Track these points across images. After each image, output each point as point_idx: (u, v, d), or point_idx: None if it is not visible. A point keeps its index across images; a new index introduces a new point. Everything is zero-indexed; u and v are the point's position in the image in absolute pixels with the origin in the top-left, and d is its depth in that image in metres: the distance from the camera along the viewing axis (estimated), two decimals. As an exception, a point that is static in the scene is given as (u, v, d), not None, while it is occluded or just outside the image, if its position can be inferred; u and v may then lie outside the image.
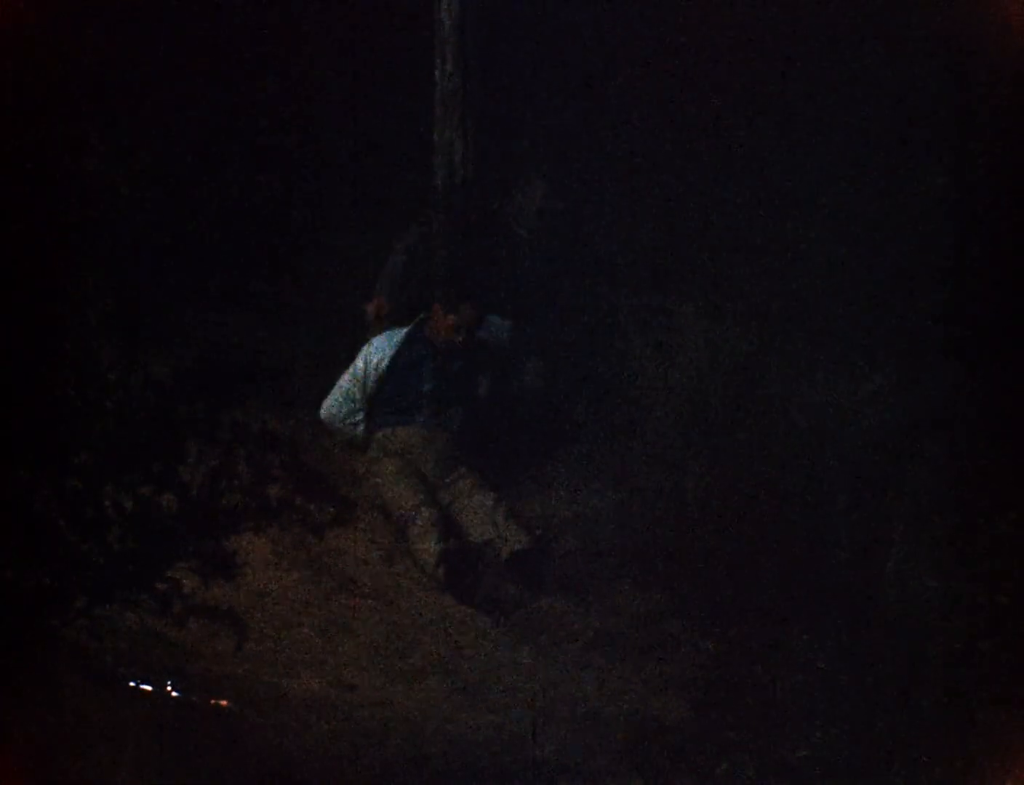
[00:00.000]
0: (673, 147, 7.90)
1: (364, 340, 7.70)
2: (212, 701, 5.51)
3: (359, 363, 7.55)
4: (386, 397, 7.47)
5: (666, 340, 7.46)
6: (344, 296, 7.98)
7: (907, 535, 6.31)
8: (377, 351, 7.54)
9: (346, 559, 6.95)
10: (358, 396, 7.52)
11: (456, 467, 7.37)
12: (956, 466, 6.34)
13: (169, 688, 5.43)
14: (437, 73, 7.69)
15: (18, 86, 4.94)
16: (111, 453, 4.61)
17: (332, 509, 7.16)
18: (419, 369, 7.50)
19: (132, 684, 5.35)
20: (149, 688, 5.38)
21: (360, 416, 7.51)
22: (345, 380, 7.54)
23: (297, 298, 7.84)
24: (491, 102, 7.88)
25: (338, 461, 7.53)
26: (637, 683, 6.33)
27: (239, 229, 7.86)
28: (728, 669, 6.24)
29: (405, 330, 7.55)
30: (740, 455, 6.94)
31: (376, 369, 7.50)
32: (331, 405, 7.55)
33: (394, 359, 7.50)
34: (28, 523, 4.56)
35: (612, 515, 7.21)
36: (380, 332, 7.64)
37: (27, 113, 4.89)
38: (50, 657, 4.79)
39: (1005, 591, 5.87)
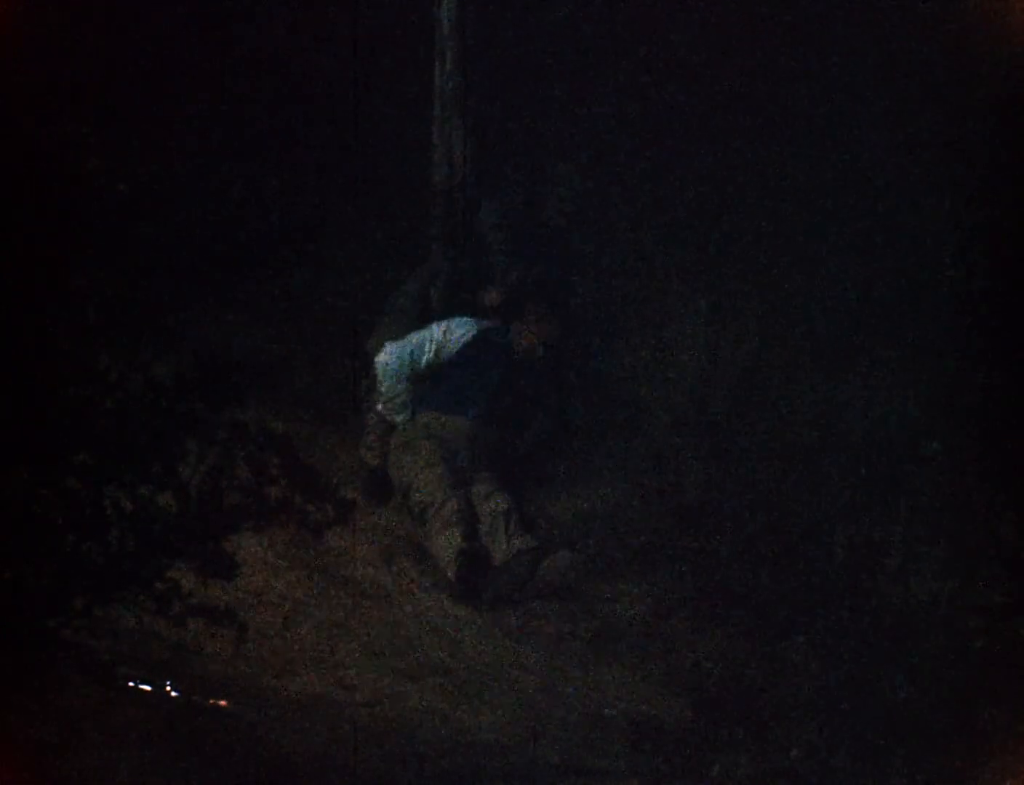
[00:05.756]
0: (674, 147, 7.90)
1: (362, 340, 7.70)
2: (212, 701, 5.51)
3: (438, 330, 7.45)
4: (452, 377, 7.39)
5: (666, 340, 7.46)
6: (344, 296, 7.98)
7: (907, 535, 6.31)
8: (460, 326, 7.47)
9: (346, 559, 6.95)
10: (423, 361, 7.41)
11: (481, 467, 7.32)
12: (956, 466, 6.35)
13: (169, 688, 5.43)
14: (437, 73, 7.69)
15: (18, 86, 4.94)
16: (111, 453, 4.61)
17: (331, 509, 7.18)
18: (492, 366, 7.44)
19: (132, 684, 5.35)
20: (149, 688, 5.38)
21: (409, 382, 7.39)
22: (416, 339, 7.42)
23: (296, 298, 7.85)
24: (491, 102, 7.89)
25: (338, 461, 7.52)
26: (637, 683, 6.33)
27: (238, 229, 7.87)
28: (727, 669, 6.24)
29: (489, 323, 7.51)
30: (740, 455, 6.95)
31: (452, 344, 7.42)
32: (392, 355, 7.38)
33: (471, 345, 7.43)
34: (28, 523, 4.56)
35: (612, 515, 7.22)
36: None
37: (27, 113, 4.90)
38: (50, 657, 4.79)
39: (1003, 591, 5.88)
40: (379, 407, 7.43)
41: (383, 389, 7.39)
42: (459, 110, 7.68)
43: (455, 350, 7.42)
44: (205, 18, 7.97)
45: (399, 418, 7.41)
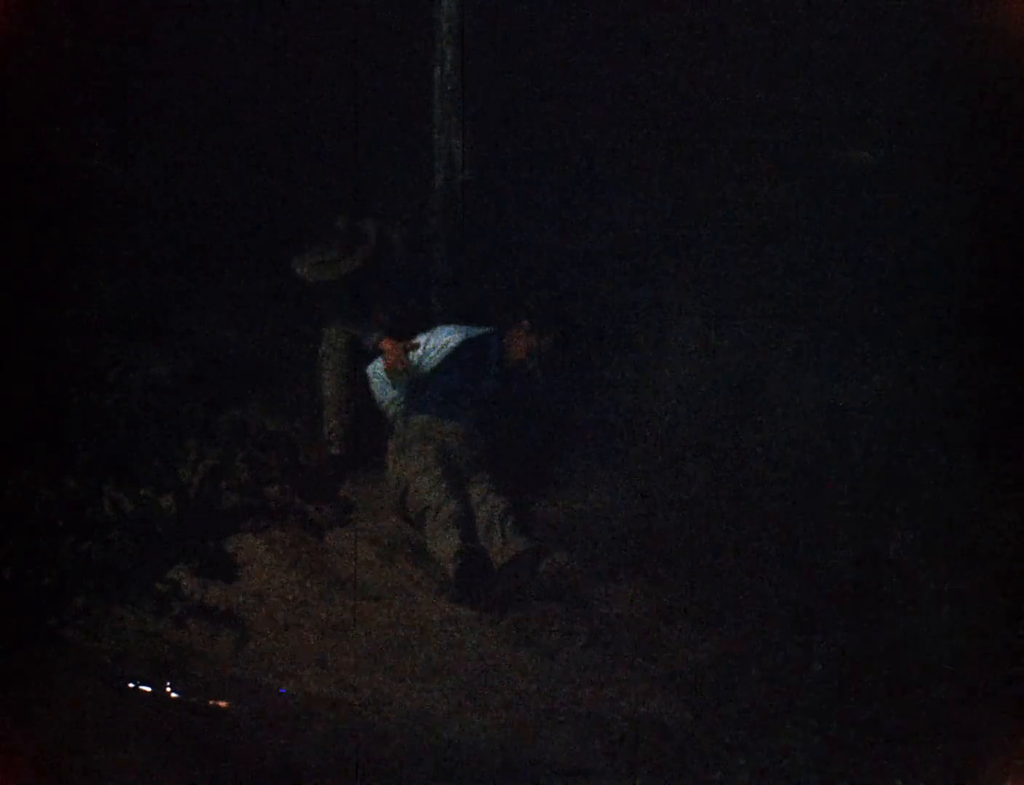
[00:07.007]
0: (673, 145, 7.91)
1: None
2: (212, 701, 5.51)
3: (421, 339, 7.50)
4: (440, 385, 7.42)
5: (666, 340, 7.46)
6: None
7: (907, 534, 6.31)
8: (446, 334, 7.50)
9: (346, 559, 6.95)
10: (410, 368, 7.46)
11: (480, 470, 7.31)
12: (956, 466, 6.35)
13: (169, 688, 5.44)
14: (437, 73, 7.69)
15: (19, 86, 4.95)
16: (111, 453, 4.62)
17: (331, 509, 7.18)
18: (483, 374, 7.45)
19: (132, 684, 5.35)
20: (149, 688, 5.39)
21: (403, 389, 7.45)
22: None
23: (296, 298, 7.85)
24: (491, 103, 7.89)
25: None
26: (637, 683, 6.33)
27: (239, 230, 7.87)
28: (727, 670, 6.24)
29: (480, 330, 7.52)
30: (740, 455, 6.95)
31: (439, 351, 7.45)
32: (380, 365, 7.50)
33: (459, 351, 7.45)
34: (28, 523, 4.57)
35: (612, 515, 7.22)
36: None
37: (28, 114, 4.90)
38: (50, 657, 4.79)
39: (1005, 591, 5.89)
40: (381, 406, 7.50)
41: (374, 396, 7.48)
42: (459, 110, 7.68)
43: (440, 358, 7.45)
44: (205, 18, 7.97)
45: (395, 424, 7.45)
